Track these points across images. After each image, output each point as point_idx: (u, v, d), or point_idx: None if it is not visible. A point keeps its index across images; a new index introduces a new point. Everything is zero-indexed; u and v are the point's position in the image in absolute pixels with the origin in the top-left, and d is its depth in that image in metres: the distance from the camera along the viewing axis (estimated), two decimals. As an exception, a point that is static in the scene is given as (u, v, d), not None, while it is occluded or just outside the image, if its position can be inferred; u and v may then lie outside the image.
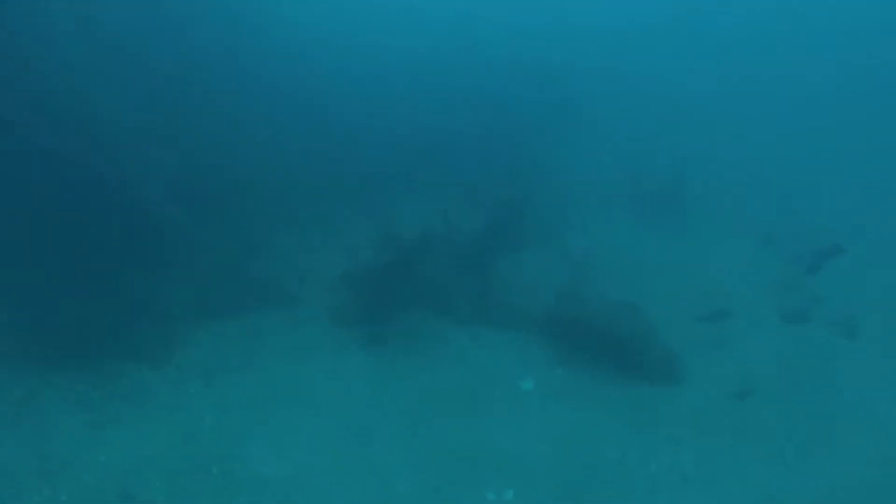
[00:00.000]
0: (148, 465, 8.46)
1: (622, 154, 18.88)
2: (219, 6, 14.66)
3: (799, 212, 17.46)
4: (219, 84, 13.89)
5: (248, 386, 9.87)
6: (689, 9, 28.05)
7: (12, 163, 10.44)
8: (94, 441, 8.71)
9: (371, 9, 20.02)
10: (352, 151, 15.01)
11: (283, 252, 12.48)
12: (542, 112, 18.74)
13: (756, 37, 27.48)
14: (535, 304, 12.06)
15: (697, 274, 14.14)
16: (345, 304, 11.47)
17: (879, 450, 9.83)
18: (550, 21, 23.82)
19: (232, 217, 12.42)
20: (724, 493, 8.96)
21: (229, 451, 8.77)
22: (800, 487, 9.11)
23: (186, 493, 8.19)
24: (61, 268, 10.53)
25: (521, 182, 15.32)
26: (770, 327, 12.59)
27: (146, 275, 11.01)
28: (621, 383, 10.76)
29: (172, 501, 8.09)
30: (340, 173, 14.40)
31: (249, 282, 11.57)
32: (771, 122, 22.54)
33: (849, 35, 27.90)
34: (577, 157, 18.47)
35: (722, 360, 11.53)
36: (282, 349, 10.64)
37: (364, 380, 10.31)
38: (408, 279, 11.36)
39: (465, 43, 19.77)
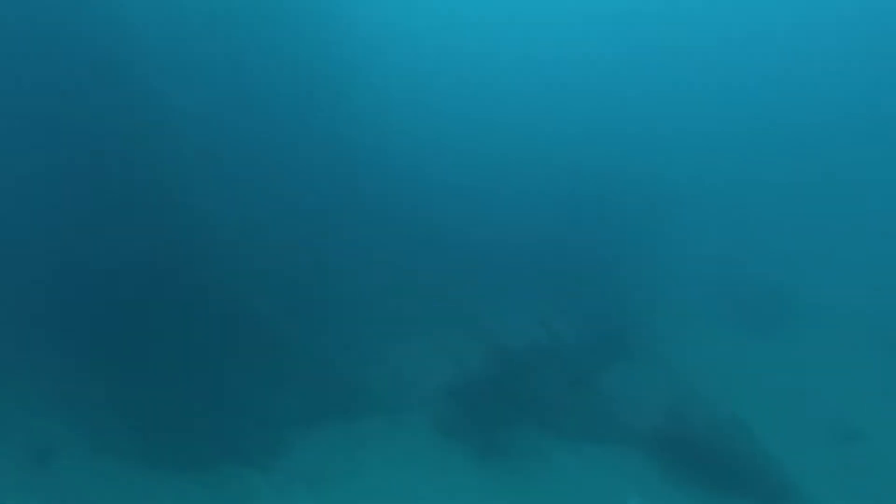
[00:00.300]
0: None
1: (722, 264, 18.50)
2: (335, 129, 15.82)
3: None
4: (327, 196, 14.78)
5: (353, 492, 9.83)
6: (781, 112, 28.01)
7: (135, 277, 11.36)
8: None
9: (472, 120, 21.06)
10: (457, 262, 15.45)
11: (388, 359, 12.71)
12: (641, 224, 18.86)
13: (858, 135, 26.86)
14: (639, 418, 11.67)
15: (815, 388, 13.28)
16: (449, 413, 11.47)
17: None
18: (647, 133, 24.29)
19: (338, 324, 12.86)
20: None
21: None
22: None
23: None
24: (175, 372, 11.09)
25: (622, 294, 15.27)
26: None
27: (254, 380, 11.45)
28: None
29: None
30: (445, 283, 14.79)
31: (355, 388, 11.78)
32: (886, 220, 21.42)
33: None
34: (677, 268, 18.24)
35: (854, 487, 10.60)
36: (385, 457, 10.62)
37: (467, 492, 10.08)
38: (511, 391, 11.35)
39: (567, 156, 20.40)
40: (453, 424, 11.32)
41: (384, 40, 18.98)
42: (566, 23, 27.18)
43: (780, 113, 28.05)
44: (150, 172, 12.16)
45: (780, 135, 26.66)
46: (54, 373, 11.32)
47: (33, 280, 11.87)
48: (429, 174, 17.40)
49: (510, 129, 21.21)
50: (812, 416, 12.31)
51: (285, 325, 12.27)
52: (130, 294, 11.44)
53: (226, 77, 13.88)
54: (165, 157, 12.33)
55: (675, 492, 10.38)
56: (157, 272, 11.55)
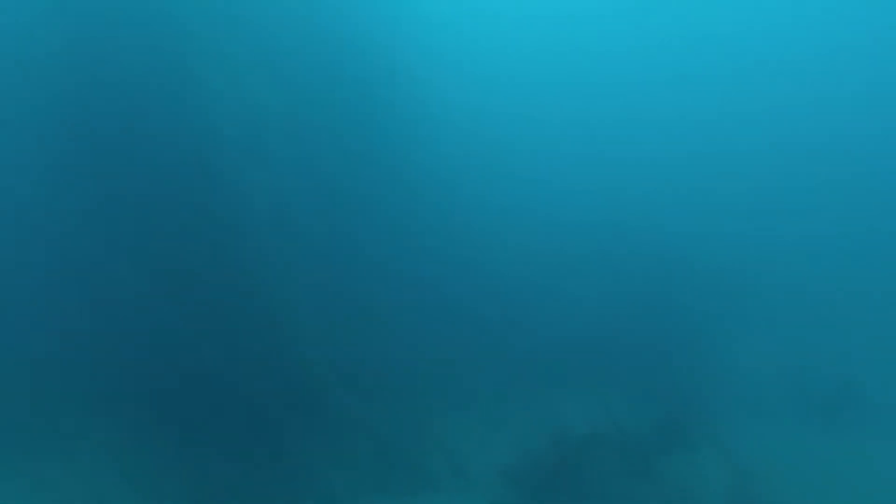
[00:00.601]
0: None
1: (789, 352, 18.11)
2: (400, 218, 16.40)
3: None
4: (392, 278, 15.22)
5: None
6: (851, 203, 27.58)
7: (198, 348, 11.80)
8: None
9: (535, 207, 21.51)
10: (520, 344, 15.60)
11: (447, 438, 12.78)
12: (706, 311, 18.73)
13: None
14: (701, 509, 11.35)
15: (886, 482, 12.70)
16: (506, 496, 11.37)
17: None
18: (713, 221, 24.30)
19: (398, 402, 13.01)
20: None
21: None
22: None
23: None
24: (232, 441, 11.33)
25: (686, 382, 15.09)
26: None
27: (311, 454, 11.59)
28: None
29: None
30: (507, 365, 14.90)
31: (412, 467, 11.83)
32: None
33: None
34: (742, 356, 17.92)
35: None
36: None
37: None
38: (571, 476, 11.21)
39: (631, 244, 20.59)
40: (511, 507, 11.24)
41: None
42: (625, 121, 27.69)
43: (849, 204, 27.66)
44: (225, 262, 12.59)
45: (847, 225, 26.25)
46: (109, 430, 11.71)
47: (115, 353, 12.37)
48: (493, 260, 17.80)
49: (574, 217, 21.59)
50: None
51: (344, 399, 12.47)
52: (192, 361, 11.81)
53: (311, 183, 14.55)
54: (241, 252, 12.79)
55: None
56: (220, 343, 11.94)
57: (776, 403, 15.88)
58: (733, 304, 19.63)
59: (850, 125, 28.84)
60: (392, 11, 18.37)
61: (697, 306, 18.82)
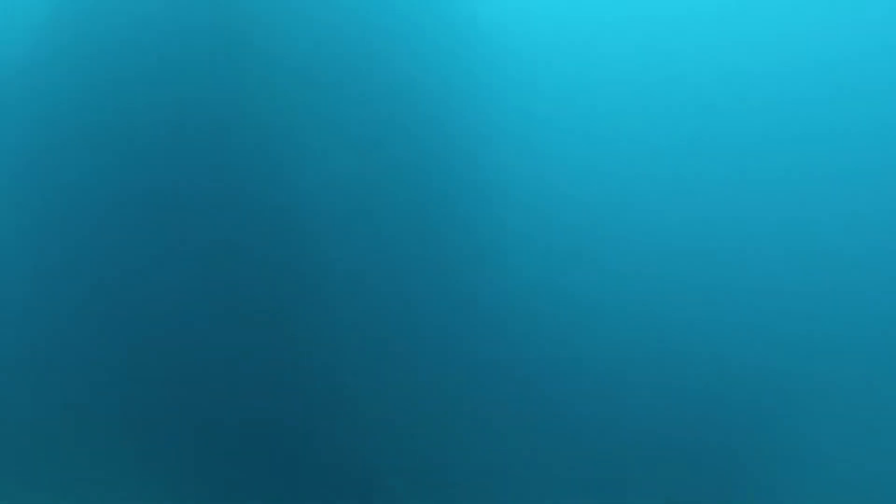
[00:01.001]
0: None
1: (856, 464, 17.35)
2: (466, 296, 16.49)
3: None
4: (451, 359, 15.24)
5: None
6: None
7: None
8: None
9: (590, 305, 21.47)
10: (564, 455, 15.32)
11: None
12: (763, 419, 18.19)
13: None
14: None
15: None
16: None
17: None
18: (781, 324, 23.88)
19: (441, 479, 12.83)
20: None
21: None
22: None
23: None
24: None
25: (744, 492, 14.59)
26: None
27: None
28: None
29: None
30: (549, 478, 14.64)
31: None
32: None
33: None
34: (806, 466, 17.24)
35: None
36: None
37: None
38: None
39: (691, 347, 20.32)
40: None
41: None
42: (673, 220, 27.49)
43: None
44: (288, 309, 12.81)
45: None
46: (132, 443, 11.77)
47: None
48: (540, 372, 17.69)
49: (627, 319, 21.41)
50: None
51: (384, 472, 12.34)
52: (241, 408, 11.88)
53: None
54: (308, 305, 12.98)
55: None
56: (265, 395, 12.04)
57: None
58: (797, 415, 18.89)
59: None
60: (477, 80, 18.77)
61: (756, 415, 18.19)
